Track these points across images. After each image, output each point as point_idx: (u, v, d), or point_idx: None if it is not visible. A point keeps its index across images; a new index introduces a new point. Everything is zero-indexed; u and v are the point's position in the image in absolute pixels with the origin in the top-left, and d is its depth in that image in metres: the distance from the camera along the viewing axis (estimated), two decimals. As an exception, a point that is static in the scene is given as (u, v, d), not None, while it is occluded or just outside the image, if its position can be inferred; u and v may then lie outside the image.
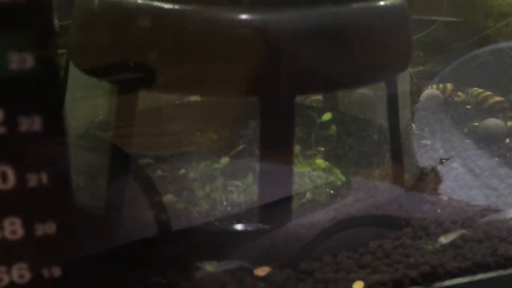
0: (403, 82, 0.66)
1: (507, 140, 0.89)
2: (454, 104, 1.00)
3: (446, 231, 0.67)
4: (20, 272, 0.41)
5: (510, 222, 0.70)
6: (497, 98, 0.97)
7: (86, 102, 0.68)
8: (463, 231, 0.63)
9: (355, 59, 0.58)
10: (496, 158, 0.83)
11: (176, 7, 0.54)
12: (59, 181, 0.38)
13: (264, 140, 0.55)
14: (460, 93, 1.02)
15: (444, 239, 0.62)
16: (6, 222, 0.39)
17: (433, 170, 0.80)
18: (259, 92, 0.53)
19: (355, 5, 0.56)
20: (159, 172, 0.74)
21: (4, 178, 0.37)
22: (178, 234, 0.60)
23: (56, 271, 0.43)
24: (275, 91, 0.54)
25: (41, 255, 0.42)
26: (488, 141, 0.87)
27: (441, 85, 1.02)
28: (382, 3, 0.58)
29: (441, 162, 0.83)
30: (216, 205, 0.64)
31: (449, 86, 1.02)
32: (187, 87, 0.53)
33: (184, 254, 0.58)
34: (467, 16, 1.08)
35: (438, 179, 0.79)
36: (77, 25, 0.58)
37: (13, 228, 0.40)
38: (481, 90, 0.99)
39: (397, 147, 0.63)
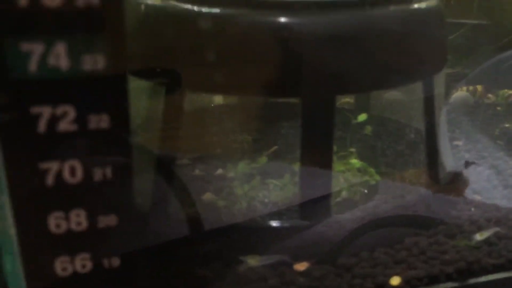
0: (439, 83, 0.67)
1: (539, 142, 0.90)
2: (484, 106, 1.01)
3: (480, 229, 0.69)
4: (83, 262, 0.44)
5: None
6: (528, 100, 0.98)
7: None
8: (497, 228, 0.64)
9: (394, 61, 0.59)
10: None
11: (221, 10, 0.57)
12: (122, 176, 0.41)
13: (305, 139, 0.57)
14: (490, 95, 1.03)
15: (479, 236, 0.63)
16: (73, 214, 0.42)
17: (465, 170, 0.81)
18: (302, 93, 0.56)
19: (393, 8, 0.58)
20: (197, 172, 0.77)
21: (73, 172, 0.40)
22: (222, 230, 0.62)
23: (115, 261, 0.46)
24: (317, 91, 0.57)
25: (102, 245, 0.45)
26: (519, 144, 0.88)
27: (471, 87, 1.03)
28: (419, 6, 0.60)
29: (471, 162, 0.84)
30: (255, 203, 0.67)
31: (479, 88, 1.03)
32: (234, 88, 0.56)
33: (228, 249, 0.61)
34: (496, 19, 1.09)
35: (470, 179, 0.81)
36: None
37: (79, 219, 0.43)
38: (510, 91, 1.00)
39: (433, 148, 0.65)
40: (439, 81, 0.69)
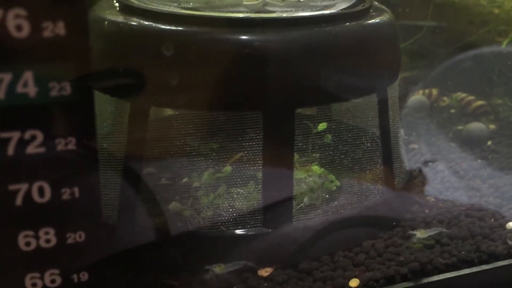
0: (393, 92, 0.71)
1: (489, 143, 0.95)
2: (439, 109, 1.05)
3: (433, 230, 0.73)
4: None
5: (492, 220, 0.76)
6: (480, 102, 1.03)
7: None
8: (440, 228, 0.69)
9: (348, 74, 0.63)
10: (479, 160, 0.88)
11: (182, 28, 0.59)
12: (90, 194, 0.43)
13: (267, 150, 0.60)
14: (445, 98, 1.08)
15: (419, 234, 0.67)
16: (41, 232, 0.44)
17: (420, 172, 0.86)
18: (262, 107, 0.58)
19: (347, 24, 0.61)
20: (163, 181, 0.78)
21: (41, 192, 0.42)
22: (187, 238, 0.64)
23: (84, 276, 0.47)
24: (277, 105, 0.60)
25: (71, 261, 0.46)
26: (471, 144, 0.93)
27: (427, 91, 1.08)
28: (372, 21, 0.63)
29: (426, 164, 0.88)
30: (220, 211, 0.69)
31: (435, 91, 1.08)
32: (197, 104, 0.58)
33: (194, 258, 0.63)
34: (451, 23, 1.14)
35: (425, 181, 0.85)
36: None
37: (47, 237, 0.44)
38: (465, 94, 1.05)
39: (388, 152, 0.68)
40: (393, 90, 0.72)
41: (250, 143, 0.63)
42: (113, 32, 0.61)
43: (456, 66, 1.13)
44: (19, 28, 0.35)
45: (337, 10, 0.63)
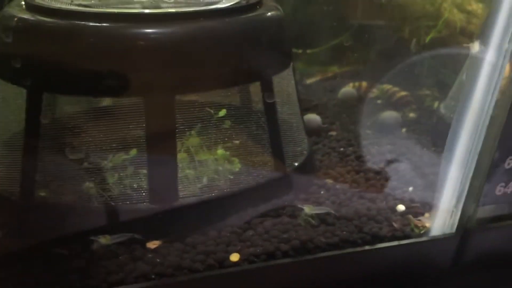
0: (283, 80, 0.76)
1: (403, 130, 0.99)
2: (367, 100, 1.10)
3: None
4: None
5: (384, 203, 0.80)
6: (403, 93, 1.07)
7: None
8: (328, 209, 0.73)
9: (231, 63, 0.68)
10: (388, 146, 0.93)
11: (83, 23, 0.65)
12: None
13: (150, 134, 0.65)
14: (374, 90, 1.12)
15: (307, 210, 0.71)
16: None
17: (328, 156, 0.90)
18: (144, 94, 0.64)
19: (226, 19, 0.66)
20: (85, 164, 0.84)
21: None
22: (84, 214, 0.70)
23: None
24: (157, 91, 0.65)
25: None
26: (386, 131, 0.97)
27: (357, 83, 1.12)
28: (251, 16, 0.68)
29: (336, 149, 0.92)
30: (123, 190, 0.74)
31: (364, 84, 1.12)
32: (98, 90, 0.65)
33: (86, 230, 0.68)
34: (387, 20, 1.18)
35: (329, 164, 0.89)
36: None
37: None
38: (390, 86, 1.09)
39: (276, 136, 0.73)
40: (288, 77, 0.77)
41: (141, 129, 0.68)
42: (18, 27, 0.67)
43: (389, 60, 1.17)
44: None
45: (217, 6, 0.68)
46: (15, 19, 0.68)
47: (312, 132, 0.96)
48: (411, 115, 1.03)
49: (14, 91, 0.72)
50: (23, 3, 0.71)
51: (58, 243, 0.67)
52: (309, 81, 1.18)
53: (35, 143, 0.69)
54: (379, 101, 1.08)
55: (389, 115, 0.98)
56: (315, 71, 1.20)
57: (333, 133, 0.98)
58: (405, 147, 0.92)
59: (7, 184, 0.72)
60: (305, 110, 1.05)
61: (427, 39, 1.07)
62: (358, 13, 1.20)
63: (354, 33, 1.17)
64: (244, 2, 0.71)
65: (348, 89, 1.11)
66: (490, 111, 0.70)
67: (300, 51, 1.16)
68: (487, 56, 0.66)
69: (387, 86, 1.08)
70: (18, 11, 0.70)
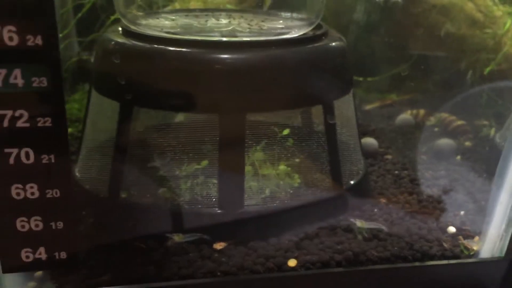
0: (344, 104, 0.82)
1: (458, 157, 1.03)
2: (425, 127, 1.14)
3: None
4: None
5: (435, 224, 0.84)
6: (460, 122, 1.10)
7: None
8: (381, 225, 0.78)
9: (297, 86, 0.75)
10: (442, 172, 0.97)
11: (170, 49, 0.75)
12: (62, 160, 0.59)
13: (222, 148, 0.74)
14: (431, 118, 1.16)
15: (359, 224, 0.77)
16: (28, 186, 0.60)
17: (383, 177, 0.95)
18: (220, 110, 0.72)
19: (296, 47, 0.74)
20: (161, 173, 0.94)
21: (27, 156, 0.58)
22: (160, 214, 0.79)
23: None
24: (231, 109, 0.74)
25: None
26: (440, 158, 1.01)
27: (414, 111, 1.16)
28: (318, 45, 0.76)
29: (391, 172, 0.97)
30: (195, 196, 0.83)
31: (422, 111, 1.16)
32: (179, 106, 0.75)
33: (162, 229, 0.77)
34: (446, 52, 1.22)
35: (384, 185, 0.94)
36: (98, 62, 0.81)
37: (32, 190, 0.60)
38: (447, 115, 1.13)
39: (335, 156, 0.80)
40: (348, 102, 0.84)
41: (214, 142, 0.77)
42: (115, 49, 0.79)
43: (448, 91, 1.21)
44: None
45: (287, 36, 0.77)
46: (113, 42, 0.80)
47: (369, 155, 1.02)
48: (467, 143, 1.07)
49: (107, 105, 0.83)
50: (120, 29, 0.83)
51: (137, 238, 0.77)
52: (368, 107, 1.24)
53: (124, 150, 0.80)
54: (436, 129, 1.13)
55: (445, 142, 1.02)
56: (374, 98, 1.26)
57: (389, 156, 1.03)
58: (458, 174, 0.96)
59: (97, 184, 0.82)
60: (363, 134, 1.11)
61: (486, 71, 1.11)
62: (418, 44, 1.25)
63: (413, 63, 1.22)
64: (311, 33, 0.79)
65: (406, 116, 1.16)
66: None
67: (361, 78, 1.22)
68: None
69: (444, 115, 1.12)
70: (116, 36, 0.81)
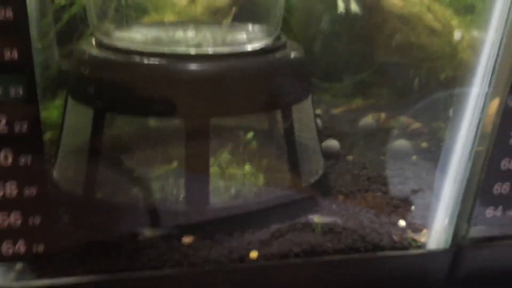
0: (301, 109, 0.90)
1: (414, 157, 1.10)
2: (384, 130, 1.22)
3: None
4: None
5: (387, 219, 0.92)
6: (417, 125, 1.18)
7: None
8: (336, 219, 0.85)
9: (255, 94, 0.83)
10: (397, 170, 1.04)
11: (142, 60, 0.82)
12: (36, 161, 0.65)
13: (189, 149, 0.81)
14: (392, 121, 1.24)
15: (316, 219, 0.84)
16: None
17: (343, 177, 1.03)
18: (185, 115, 0.79)
19: (255, 57, 0.82)
20: (133, 174, 1.00)
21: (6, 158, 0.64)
22: (132, 211, 0.85)
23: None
24: (196, 114, 0.80)
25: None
26: (397, 158, 1.09)
27: (376, 115, 1.24)
28: (284, 54, 0.84)
29: (351, 171, 1.04)
30: (165, 195, 0.90)
31: (383, 115, 1.24)
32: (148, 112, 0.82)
33: (134, 224, 0.83)
34: (407, 59, 1.30)
35: (343, 184, 1.01)
36: (74, 71, 0.88)
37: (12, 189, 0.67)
38: (406, 118, 1.20)
39: (294, 156, 0.87)
40: (306, 107, 0.91)
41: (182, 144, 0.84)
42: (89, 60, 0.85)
43: (408, 95, 1.29)
44: None
45: (248, 47, 0.84)
46: (87, 54, 0.86)
47: (331, 156, 1.09)
48: (423, 144, 1.14)
49: (82, 111, 0.89)
50: (93, 41, 0.89)
51: (111, 233, 0.83)
52: (334, 111, 1.31)
53: (97, 153, 0.86)
54: (395, 132, 1.20)
55: (401, 143, 1.10)
56: (340, 103, 1.33)
57: (350, 157, 1.11)
58: (412, 172, 1.04)
59: (73, 184, 0.88)
60: (327, 137, 1.18)
61: (442, 77, 1.19)
62: (381, 52, 1.33)
63: (377, 70, 1.30)
64: (270, 44, 0.86)
65: (368, 119, 1.23)
66: (476, 145, 0.81)
67: (327, 85, 1.29)
68: (471, 97, 0.78)
69: (403, 118, 1.20)
70: (90, 48, 0.87)
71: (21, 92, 0.61)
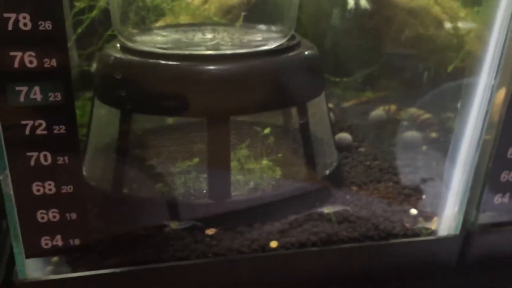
0: (316, 105, 0.94)
1: (424, 147, 1.14)
2: (395, 121, 1.26)
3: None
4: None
5: (399, 207, 0.96)
6: (427, 116, 1.22)
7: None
8: (346, 207, 0.90)
9: (272, 92, 0.87)
10: (408, 160, 1.08)
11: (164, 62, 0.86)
12: (74, 161, 0.70)
13: (210, 146, 0.85)
14: (402, 113, 1.27)
15: (326, 210, 0.89)
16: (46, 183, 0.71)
17: (356, 168, 1.07)
18: (206, 114, 0.84)
19: (273, 57, 0.86)
20: (158, 170, 1.06)
21: (46, 158, 0.69)
22: (158, 206, 0.91)
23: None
24: (217, 113, 0.85)
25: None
26: (406, 149, 1.13)
27: (386, 107, 1.28)
28: (301, 53, 0.88)
29: (363, 163, 1.09)
30: (188, 189, 0.95)
31: (393, 107, 1.28)
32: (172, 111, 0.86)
33: (161, 218, 0.89)
34: (416, 51, 1.34)
35: (356, 175, 1.06)
36: (100, 74, 0.92)
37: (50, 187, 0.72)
38: (415, 109, 1.24)
39: (309, 151, 0.91)
40: (320, 103, 0.96)
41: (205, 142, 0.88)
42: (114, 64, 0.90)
43: (418, 87, 1.32)
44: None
45: (264, 48, 0.88)
46: (112, 58, 0.91)
47: (343, 148, 1.14)
48: (433, 135, 1.18)
49: (109, 111, 0.94)
50: (118, 45, 0.94)
51: (139, 227, 0.88)
52: (345, 105, 1.35)
53: (125, 151, 0.91)
54: (405, 123, 1.24)
55: (411, 134, 1.14)
56: (351, 96, 1.37)
57: (362, 149, 1.15)
58: (423, 162, 1.08)
59: (102, 182, 0.94)
60: (339, 130, 1.23)
61: (450, 68, 1.22)
62: (391, 45, 1.36)
63: (386, 63, 1.34)
64: (285, 44, 0.91)
65: (378, 112, 1.27)
66: (483, 134, 0.85)
67: (338, 79, 1.33)
68: (479, 88, 0.82)
69: (413, 110, 1.24)
70: (115, 51, 0.92)
71: (59, 97, 0.66)
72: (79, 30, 1.18)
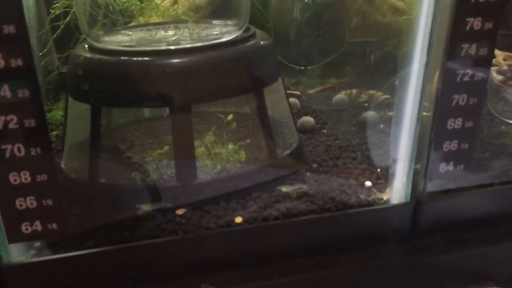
0: (273, 90, 1.02)
1: (381, 126, 1.22)
2: (357, 104, 1.33)
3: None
4: (31, 201, 0.81)
5: (355, 181, 1.03)
6: (384, 96, 1.30)
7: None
8: (302, 185, 0.98)
9: (229, 80, 0.95)
10: (366, 138, 1.16)
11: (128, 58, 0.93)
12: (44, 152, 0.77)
13: (175, 133, 0.93)
14: (363, 95, 1.35)
15: (284, 189, 0.97)
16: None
17: (316, 147, 1.15)
18: (171, 103, 0.91)
19: (229, 48, 0.93)
20: (131, 159, 1.13)
21: (19, 150, 0.77)
22: (132, 191, 0.98)
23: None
24: (178, 102, 0.92)
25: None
26: (365, 128, 1.21)
27: (348, 91, 1.36)
28: (245, 45, 0.95)
29: (323, 142, 1.16)
30: (160, 175, 1.02)
31: (354, 91, 1.36)
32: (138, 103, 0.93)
33: (133, 202, 0.96)
34: (374, 37, 1.42)
35: (317, 153, 1.13)
36: (71, 74, 1.00)
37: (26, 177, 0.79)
38: (375, 92, 1.32)
39: (268, 132, 0.99)
40: (279, 87, 1.03)
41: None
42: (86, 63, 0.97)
43: (378, 71, 1.41)
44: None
45: (220, 40, 0.96)
46: (82, 57, 0.98)
47: (307, 130, 1.22)
48: (390, 114, 1.26)
49: (81, 107, 1.02)
50: (86, 46, 1.01)
51: (114, 211, 0.96)
52: (311, 91, 1.43)
53: (98, 143, 0.99)
54: (365, 104, 1.32)
55: (370, 114, 1.22)
56: (317, 83, 1.45)
57: (325, 131, 1.23)
58: (379, 139, 1.16)
59: (79, 172, 1.01)
60: (304, 114, 1.31)
61: (400, 52, 1.30)
62: (352, 33, 1.44)
63: (349, 50, 1.41)
64: (240, 36, 0.98)
65: (341, 96, 1.35)
66: (422, 108, 0.93)
67: (302, 67, 1.41)
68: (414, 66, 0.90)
69: (372, 92, 1.31)
70: (84, 52, 1.00)
71: (27, 93, 0.74)
72: (54, 35, 1.25)
